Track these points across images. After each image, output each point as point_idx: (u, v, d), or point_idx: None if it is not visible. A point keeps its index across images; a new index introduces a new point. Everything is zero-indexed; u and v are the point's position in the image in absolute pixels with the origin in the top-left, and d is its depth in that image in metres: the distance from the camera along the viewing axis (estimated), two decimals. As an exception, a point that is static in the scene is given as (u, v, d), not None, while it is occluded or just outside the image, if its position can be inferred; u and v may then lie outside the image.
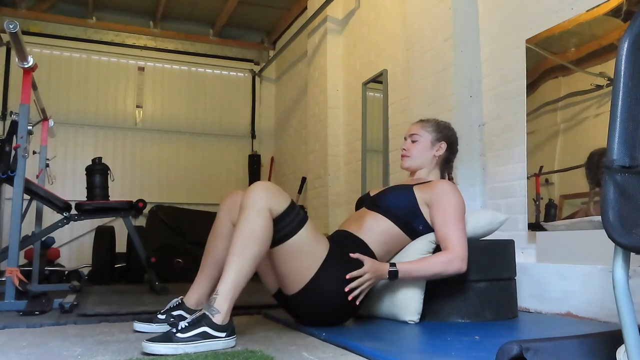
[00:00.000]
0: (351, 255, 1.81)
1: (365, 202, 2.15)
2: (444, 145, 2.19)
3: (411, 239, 2.03)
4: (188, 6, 5.99)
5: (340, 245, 1.89)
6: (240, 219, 1.65)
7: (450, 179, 2.26)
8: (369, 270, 1.81)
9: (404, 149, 2.23)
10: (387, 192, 2.13)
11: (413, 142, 2.20)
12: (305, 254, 1.76)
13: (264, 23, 6.43)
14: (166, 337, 1.49)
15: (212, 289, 1.75)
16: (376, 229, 1.98)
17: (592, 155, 2.29)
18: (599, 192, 2.19)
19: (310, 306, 1.85)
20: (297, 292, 1.80)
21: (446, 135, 2.21)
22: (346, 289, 1.78)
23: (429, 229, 2.01)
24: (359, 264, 1.82)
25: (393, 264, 1.87)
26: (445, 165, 2.24)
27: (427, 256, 1.94)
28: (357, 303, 1.85)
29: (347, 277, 1.78)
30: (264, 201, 1.66)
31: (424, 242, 1.99)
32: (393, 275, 1.85)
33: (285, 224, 1.71)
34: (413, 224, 2.01)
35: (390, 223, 2.00)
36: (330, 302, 1.82)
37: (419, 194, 2.02)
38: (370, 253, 1.93)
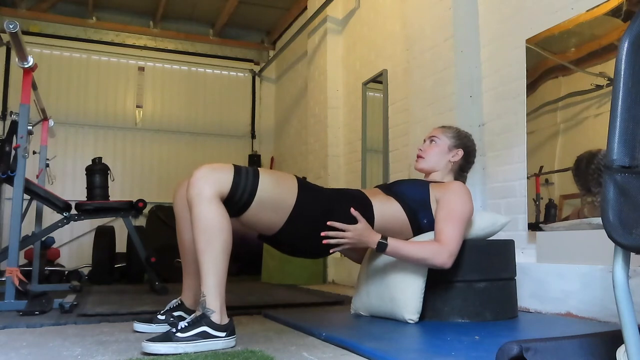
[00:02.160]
0: (352, 211, 1.80)
1: (381, 187, 2.16)
2: (460, 153, 2.20)
3: (413, 232, 2.03)
4: (188, 6, 6.00)
5: (336, 191, 1.94)
6: (193, 217, 1.61)
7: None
8: (354, 231, 1.80)
9: (420, 150, 2.25)
10: (403, 181, 2.18)
11: (431, 142, 2.23)
12: (273, 205, 1.74)
13: (264, 23, 6.43)
14: (166, 337, 1.49)
15: None
16: (385, 207, 1.99)
17: (579, 160, 2.29)
18: (588, 198, 2.20)
19: (292, 240, 1.87)
20: (276, 233, 1.81)
21: (465, 144, 2.23)
22: (322, 234, 1.77)
23: (432, 226, 2.01)
24: (332, 205, 1.83)
25: (385, 237, 1.85)
26: (460, 174, 2.25)
27: (419, 241, 1.95)
28: (331, 251, 1.83)
29: (329, 223, 1.77)
30: (207, 190, 1.61)
31: (425, 239, 1.99)
32: (381, 247, 1.84)
33: (240, 195, 1.67)
34: (419, 215, 2.01)
35: (400, 208, 2.00)
36: (311, 234, 1.81)
37: (433, 191, 2.04)
38: (371, 214, 1.93)
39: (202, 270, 1.60)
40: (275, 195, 1.74)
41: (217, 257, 1.60)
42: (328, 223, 1.77)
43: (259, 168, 1.78)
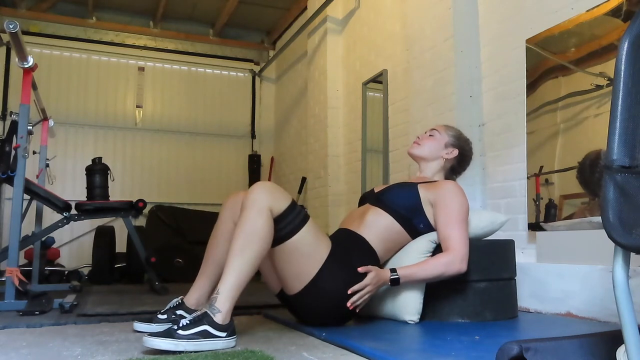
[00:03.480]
0: (359, 269, 1.81)
1: (369, 198, 2.16)
2: (455, 152, 2.21)
3: (412, 237, 2.03)
4: (188, 6, 5.99)
5: (342, 246, 1.90)
6: (241, 219, 1.66)
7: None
8: (371, 282, 1.82)
9: (418, 137, 2.27)
10: (391, 188, 2.14)
11: (430, 136, 2.25)
12: (307, 254, 1.76)
13: (264, 23, 6.43)
14: (167, 333, 1.49)
15: (213, 290, 1.75)
16: (377, 225, 1.99)
17: (582, 164, 2.29)
18: (594, 200, 2.20)
19: (311, 306, 1.85)
20: (298, 292, 1.81)
21: (462, 146, 2.24)
22: (348, 303, 1.79)
23: (429, 228, 2.01)
24: (360, 266, 1.83)
25: (394, 270, 1.87)
26: (450, 175, 2.25)
27: (427, 259, 1.95)
28: (357, 311, 1.87)
29: (349, 292, 1.79)
30: (264, 200, 1.67)
31: (425, 242, 1.99)
32: (395, 282, 1.87)
33: (286, 224, 1.71)
34: (414, 221, 2.01)
35: (392, 219, 2.00)
36: (331, 304, 1.83)
37: (424, 192, 2.03)
38: (371, 251, 1.94)
39: (226, 269, 1.61)
40: (311, 245, 1.77)
41: (247, 262, 1.61)
42: (349, 291, 1.78)
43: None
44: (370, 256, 1.93)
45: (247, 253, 1.62)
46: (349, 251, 1.90)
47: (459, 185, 2.06)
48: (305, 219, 1.77)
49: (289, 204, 1.73)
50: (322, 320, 1.88)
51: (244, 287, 1.63)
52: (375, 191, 2.19)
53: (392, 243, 2.01)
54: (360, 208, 2.14)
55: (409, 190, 2.06)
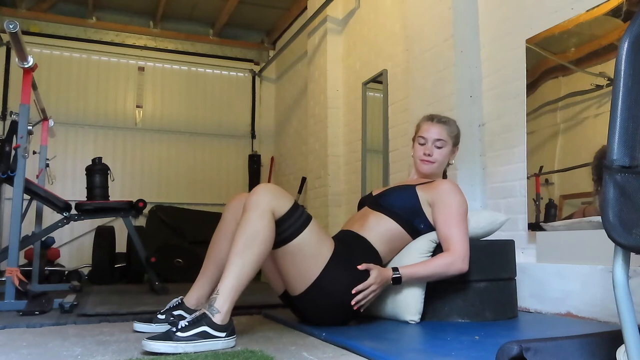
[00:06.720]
0: (359, 267, 1.82)
1: (367, 202, 2.16)
2: (457, 150, 2.22)
3: (412, 238, 2.04)
4: (188, 6, 5.99)
5: (345, 246, 1.90)
6: (243, 220, 1.66)
7: (445, 177, 2.26)
8: (375, 281, 1.82)
9: (428, 155, 2.14)
10: (389, 192, 2.14)
11: (439, 148, 2.14)
12: (310, 254, 1.76)
13: (264, 23, 6.42)
14: (166, 336, 1.49)
15: (213, 290, 1.75)
16: (379, 228, 1.99)
17: (598, 157, 2.28)
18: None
19: (314, 306, 1.86)
20: (301, 293, 1.81)
21: (458, 140, 2.23)
22: (352, 302, 1.80)
23: (430, 228, 2.02)
24: (354, 268, 1.83)
25: (396, 270, 1.87)
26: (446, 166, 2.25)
27: (429, 258, 1.95)
28: (362, 310, 1.87)
29: (353, 291, 1.79)
30: (266, 202, 1.67)
31: (425, 241, 2.00)
32: (397, 281, 1.87)
33: (289, 225, 1.72)
34: (414, 223, 2.02)
35: (393, 222, 2.01)
36: (334, 303, 1.83)
37: (422, 193, 2.03)
38: (374, 252, 1.94)
39: (227, 270, 1.61)
40: (314, 246, 1.77)
41: (248, 263, 1.61)
42: (353, 291, 1.79)
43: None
44: (373, 256, 1.93)
45: (247, 254, 1.61)
46: (352, 251, 1.90)
47: (456, 184, 2.07)
48: (307, 220, 1.77)
49: (291, 206, 1.73)
50: (325, 320, 1.88)
51: (244, 288, 1.63)
52: (374, 194, 2.19)
53: (393, 244, 2.02)
54: (360, 212, 2.14)
55: (407, 192, 2.06)
